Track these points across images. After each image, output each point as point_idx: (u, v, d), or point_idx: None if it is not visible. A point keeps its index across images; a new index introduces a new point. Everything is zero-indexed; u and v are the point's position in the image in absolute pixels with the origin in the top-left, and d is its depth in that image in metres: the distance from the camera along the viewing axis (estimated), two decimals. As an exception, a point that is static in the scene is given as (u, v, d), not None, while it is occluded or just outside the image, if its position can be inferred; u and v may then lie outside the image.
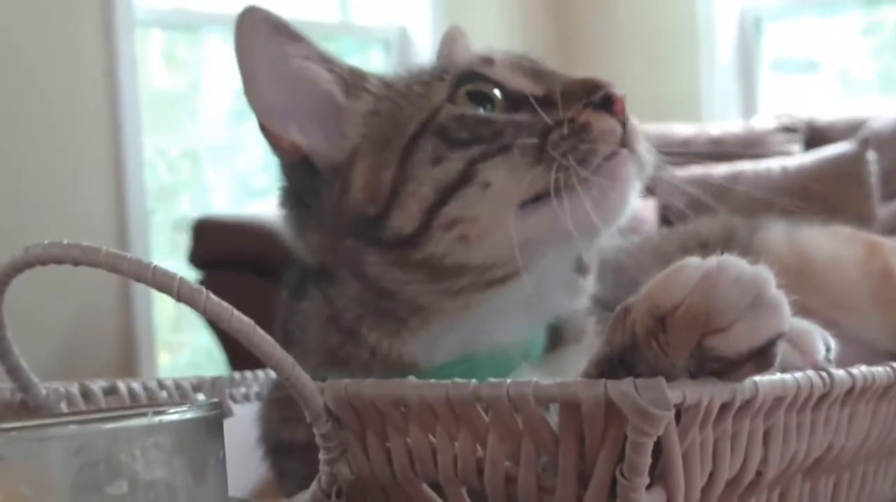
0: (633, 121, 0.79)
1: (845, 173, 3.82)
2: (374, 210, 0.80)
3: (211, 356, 3.87)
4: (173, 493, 0.52)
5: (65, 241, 0.68)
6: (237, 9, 0.83)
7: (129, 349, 4.16)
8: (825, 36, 4.98)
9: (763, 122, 4.46)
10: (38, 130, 3.97)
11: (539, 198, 0.77)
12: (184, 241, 3.64)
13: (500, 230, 0.77)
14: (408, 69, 0.88)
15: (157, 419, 0.52)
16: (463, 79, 0.83)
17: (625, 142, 0.78)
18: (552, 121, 0.78)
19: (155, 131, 4.40)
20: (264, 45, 0.83)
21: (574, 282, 0.84)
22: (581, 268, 0.83)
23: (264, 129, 0.84)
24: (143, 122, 4.19)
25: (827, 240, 1.07)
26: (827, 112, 4.50)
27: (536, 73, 0.83)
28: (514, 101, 0.81)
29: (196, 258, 3.50)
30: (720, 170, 4.04)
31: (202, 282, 2.79)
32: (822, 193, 3.71)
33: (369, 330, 0.80)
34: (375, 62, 5.17)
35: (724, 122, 4.64)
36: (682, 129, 4.44)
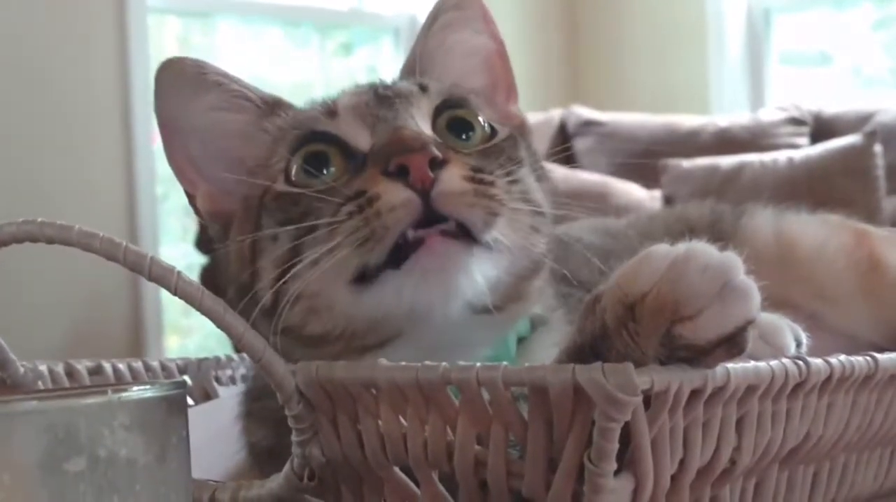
0: (448, 179, 0.72)
1: (852, 166, 3.80)
2: (245, 279, 0.79)
3: (221, 340, 3.88)
4: (133, 471, 0.52)
5: (39, 220, 0.68)
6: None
7: (137, 332, 4.17)
8: (836, 29, 4.96)
9: (771, 113, 4.45)
10: (50, 116, 3.98)
11: (368, 278, 0.73)
12: (194, 226, 3.67)
13: (339, 306, 0.75)
14: (306, 103, 0.86)
15: (116, 396, 0.52)
16: (301, 141, 0.80)
17: (433, 207, 0.72)
18: (353, 191, 0.74)
19: (167, 117, 4.40)
20: (177, 99, 0.83)
21: (485, 322, 0.77)
22: (493, 308, 0.76)
23: (184, 190, 0.84)
24: (154, 108, 4.19)
25: (814, 228, 1.05)
26: (835, 104, 4.48)
27: (375, 121, 0.79)
28: (353, 156, 0.78)
29: (202, 242, 3.51)
30: (727, 161, 4.03)
31: (207, 267, 2.79)
32: (828, 186, 3.70)
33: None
34: (386, 50, 5.17)
35: (731, 114, 4.64)
36: (689, 121, 4.44)
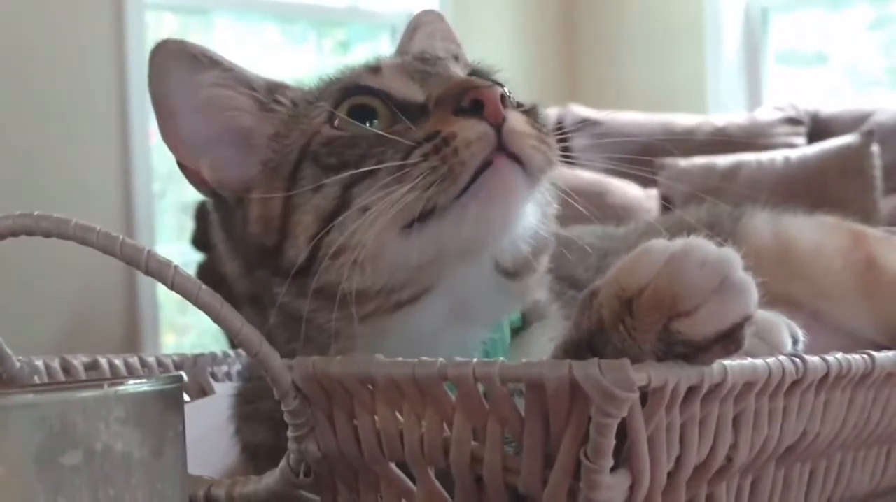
0: (516, 119, 0.74)
1: (849, 166, 3.80)
2: (271, 241, 0.79)
3: (217, 338, 3.87)
4: (129, 465, 0.52)
5: (35, 213, 0.68)
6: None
7: (133, 330, 4.17)
8: (832, 29, 4.96)
9: (768, 113, 4.45)
10: (47, 113, 3.98)
11: (424, 218, 0.73)
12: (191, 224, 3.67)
13: (388, 254, 0.75)
14: (322, 78, 0.87)
15: (112, 390, 0.52)
16: (345, 93, 0.81)
17: (503, 145, 0.73)
18: (423, 133, 0.74)
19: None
20: (176, 77, 0.82)
21: (504, 288, 0.79)
22: (511, 273, 0.79)
23: (180, 164, 0.84)
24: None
25: (811, 229, 1.06)
26: (832, 104, 4.48)
27: (425, 75, 0.81)
28: (402, 109, 0.78)
29: (198, 240, 3.52)
30: (724, 160, 4.03)
31: (204, 264, 2.80)
32: (825, 185, 3.70)
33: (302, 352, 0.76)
34: (383, 48, 5.17)
35: (728, 114, 4.63)
36: (686, 120, 4.43)
